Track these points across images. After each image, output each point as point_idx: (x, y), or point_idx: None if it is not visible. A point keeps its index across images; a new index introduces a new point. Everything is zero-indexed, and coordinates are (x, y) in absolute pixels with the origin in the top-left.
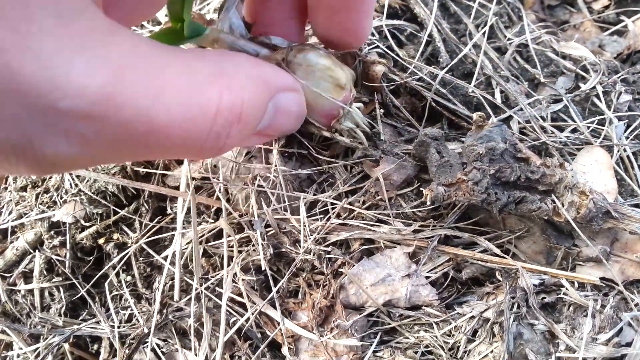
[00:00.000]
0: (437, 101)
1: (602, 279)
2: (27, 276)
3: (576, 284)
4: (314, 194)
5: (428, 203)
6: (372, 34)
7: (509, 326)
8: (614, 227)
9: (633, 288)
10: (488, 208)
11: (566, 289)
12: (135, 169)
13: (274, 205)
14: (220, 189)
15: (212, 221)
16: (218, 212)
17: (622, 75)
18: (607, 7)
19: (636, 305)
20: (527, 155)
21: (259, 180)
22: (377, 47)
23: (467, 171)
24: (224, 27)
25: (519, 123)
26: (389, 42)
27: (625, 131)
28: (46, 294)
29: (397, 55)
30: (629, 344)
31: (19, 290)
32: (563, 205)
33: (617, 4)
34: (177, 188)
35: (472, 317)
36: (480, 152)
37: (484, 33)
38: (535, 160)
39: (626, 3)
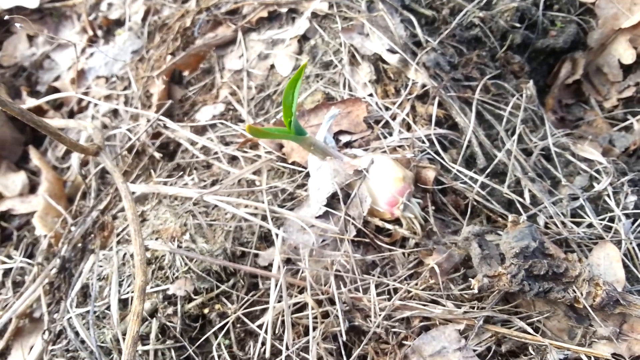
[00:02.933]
0: (478, 200)
1: (614, 354)
2: (144, 338)
3: (593, 359)
4: (379, 277)
5: (475, 290)
6: (423, 141)
7: None
8: (622, 311)
9: None
10: (523, 296)
11: None
12: (233, 250)
13: (348, 285)
14: (304, 271)
15: (297, 296)
16: (302, 289)
17: (629, 177)
18: (616, 106)
19: None
20: (553, 252)
21: (336, 265)
22: (427, 153)
23: (506, 266)
24: (320, 138)
25: (545, 219)
26: (436, 147)
27: (631, 227)
28: (159, 353)
29: (443, 159)
30: None
31: (137, 351)
32: (582, 295)
33: (625, 104)
34: (266, 268)
35: None
36: (517, 251)
37: (513, 139)
38: (560, 254)
39: (632, 104)
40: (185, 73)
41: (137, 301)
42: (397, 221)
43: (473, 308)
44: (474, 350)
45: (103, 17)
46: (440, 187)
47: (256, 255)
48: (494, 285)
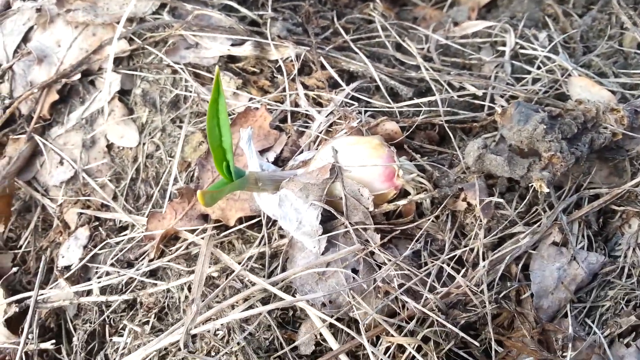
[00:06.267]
0: (447, 120)
1: None
2: None
3: None
4: (434, 258)
5: (546, 190)
6: (346, 104)
7: None
8: None
9: None
10: (577, 165)
11: None
12: None
13: (424, 292)
14: None
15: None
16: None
17: (521, 23)
18: None
19: None
20: (559, 110)
21: (390, 281)
22: (366, 111)
23: (547, 148)
24: (257, 168)
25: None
26: (365, 100)
27: (566, 56)
28: None
29: (381, 107)
30: None
31: None
32: (614, 126)
33: None
34: (315, 352)
35: None
36: (544, 128)
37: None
38: (560, 108)
39: None
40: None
41: None
42: (402, 193)
43: (544, 211)
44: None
45: None
46: (405, 132)
47: (294, 349)
48: (554, 174)
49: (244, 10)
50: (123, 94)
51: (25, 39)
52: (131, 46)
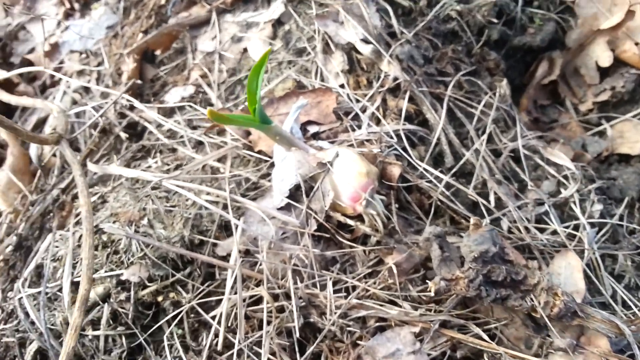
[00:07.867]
0: (442, 200)
1: None
2: (95, 323)
3: None
4: (337, 273)
5: (432, 293)
6: (391, 137)
7: None
8: (580, 323)
9: None
10: (480, 302)
11: None
12: (191, 238)
13: (305, 281)
14: (262, 264)
15: (254, 289)
16: (259, 282)
17: (597, 185)
18: (591, 110)
19: None
20: (513, 258)
21: (295, 259)
22: (395, 148)
23: (464, 270)
24: (287, 128)
25: (508, 223)
26: (404, 143)
27: (595, 236)
28: (110, 340)
29: (410, 156)
30: None
31: (87, 335)
32: (540, 304)
33: (600, 108)
34: (224, 258)
35: None
36: (476, 255)
37: (483, 139)
38: (520, 261)
39: (607, 108)
40: (158, 52)
41: (83, 285)
42: (359, 217)
43: (430, 311)
44: (428, 355)
45: None
46: (405, 184)
47: (215, 245)
48: (451, 289)
49: (394, 22)
50: (278, 23)
51: None
52: None
